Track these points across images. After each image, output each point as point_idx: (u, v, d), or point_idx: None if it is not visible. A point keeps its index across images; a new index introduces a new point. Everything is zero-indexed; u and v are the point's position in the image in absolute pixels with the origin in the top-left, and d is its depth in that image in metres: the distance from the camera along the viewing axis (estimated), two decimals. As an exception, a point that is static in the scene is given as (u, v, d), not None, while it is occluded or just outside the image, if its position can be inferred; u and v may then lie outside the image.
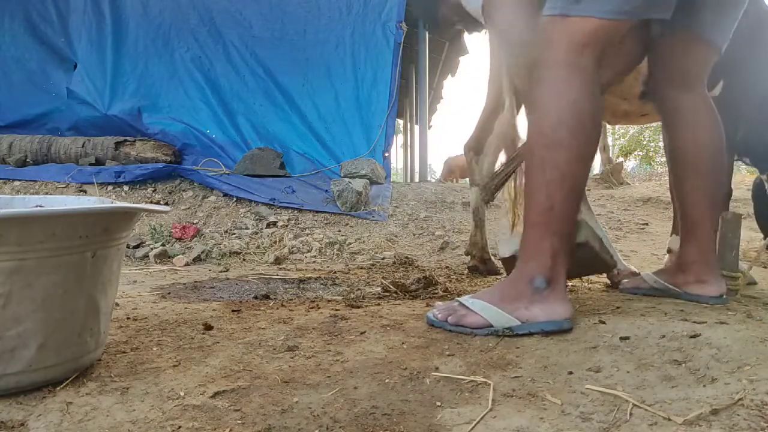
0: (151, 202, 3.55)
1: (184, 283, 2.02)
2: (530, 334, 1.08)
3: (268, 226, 3.28)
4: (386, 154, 4.51)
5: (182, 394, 0.85)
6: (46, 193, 3.72)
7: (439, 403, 0.82)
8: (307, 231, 3.22)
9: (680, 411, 0.74)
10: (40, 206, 1.06)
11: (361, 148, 4.51)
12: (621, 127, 15.32)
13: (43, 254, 0.80)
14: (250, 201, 3.56)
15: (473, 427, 0.74)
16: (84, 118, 4.67)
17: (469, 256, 2.26)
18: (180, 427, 0.75)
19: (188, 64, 4.72)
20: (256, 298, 1.69)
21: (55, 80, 4.83)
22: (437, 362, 0.97)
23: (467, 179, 4.29)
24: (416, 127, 9.63)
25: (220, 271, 2.38)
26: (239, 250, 2.87)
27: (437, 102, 14.32)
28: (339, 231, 3.26)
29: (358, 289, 1.90)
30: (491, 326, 1.10)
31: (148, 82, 4.70)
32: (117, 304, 1.44)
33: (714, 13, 1.33)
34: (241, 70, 4.72)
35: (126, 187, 3.78)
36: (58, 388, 0.86)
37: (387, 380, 0.90)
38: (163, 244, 2.92)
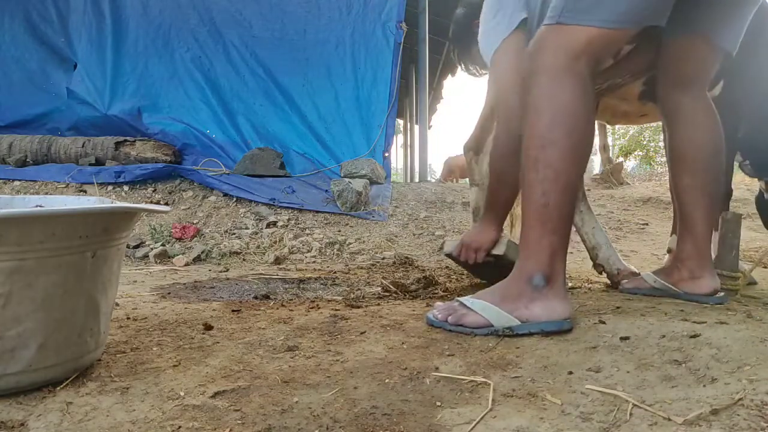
0: (151, 202, 3.55)
1: (184, 283, 2.02)
2: (530, 334, 1.08)
3: (268, 226, 3.28)
4: (386, 154, 4.52)
5: (182, 394, 0.85)
6: (46, 193, 3.72)
7: (439, 403, 0.82)
8: (307, 231, 3.22)
9: (680, 411, 0.74)
10: (40, 206, 1.06)
11: (361, 148, 4.51)
12: (621, 127, 15.32)
13: (43, 254, 0.80)
14: (250, 201, 3.56)
15: (473, 427, 0.74)
16: (84, 118, 4.67)
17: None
18: (180, 427, 0.75)
19: (188, 64, 4.72)
20: (256, 298, 1.69)
21: (55, 80, 4.83)
22: (437, 362, 0.97)
23: (467, 179, 4.30)
24: (416, 127, 9.64)
25: (220, 271, 2.38)
26: (239, 250, 2.87)
27: (437, 102, 14.33)
28: (339, 231, 3.26)
29: (358, 289, 1.90)
30: (491, 326, 1.10)
31: (148, 82, 4.71)
32: (117, 304, 1.44)
33: (718, 16, 1.34)
34: (241, 70, 4.72)
35: (126, 187, 3.78)
36: (58, 388, 0.86)
37: (387, 380, 0.90)
38: (163, 244, 2.92)
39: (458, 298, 1.19)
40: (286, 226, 3.28)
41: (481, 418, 0.76)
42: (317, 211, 3.50)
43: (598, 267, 1.78)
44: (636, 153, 17.12)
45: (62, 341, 0.85)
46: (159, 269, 2.45)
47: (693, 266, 1.38)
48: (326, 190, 3.76)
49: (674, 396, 0.79)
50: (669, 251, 1.91)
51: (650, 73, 1.52)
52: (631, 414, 0.75)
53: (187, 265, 2.61)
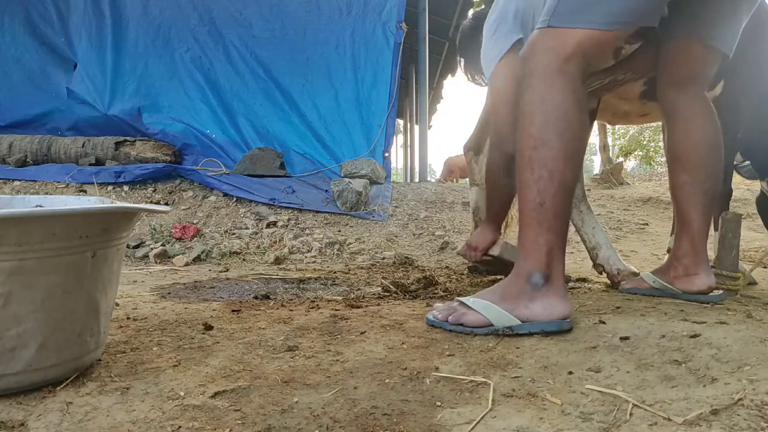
0: (151, 202, 3.55)
1: (184, 283, 2.02)
2: (530, 334, 1.08)
3: (268, 226, 3.28)
4: (386, 154, 4.52)
5: (182, 394, 0.85)
6: (46, 193, 3.72)
7: (439, 403, 0.82)
8: (307, 231, 3.22)
9: (680, 411, 0.74)
10: (40, 206, 1.06)
11: (361, 148, 4.51)
12: (621, 127, 15.32)
13: (43, 254, 0.80)
14: (250, 201, 3.56)
15: (473, 427, 0.74)
16: (84, 118, 4.67)
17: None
18: (180, 427, 0.75)
19: (188, 64, 4.72)
20: (256, 298, 1.69)
21: (55, 80, 4.83)
22: (437, 362, 0.97)
23: (467, 179, 4.29)
24: (416, 127, 9.64)
25: (220, 271, 2.38)
26: (239, 250, 2.87)
27: (437, 102, 14.33)
28: (339, 231, 3.26)
29: (358, 289, 1.90)
30: (491, 325, 1.10)
31: (148, 82, 4.71)
32: (117, 304, 1.44)
33: (714, 18, 1.35)
34: (241, 70, 4.72)
35: (126, 187, 3.78)
36: (58, 388, 0.86)
37: (387, 380, 0.90)
38: (163, 244, 2.92)
39: (458, 298, 1.19)
40: (286, 226, 3.29)
41: (481, 418, 0.76)
42: (317, 211, 3.50)
43: (598, 267, 1.78)
44: (636, 153, 17.11)
45: (62, 341, 0.85)
46: (159, 269, 2.45)
47: (688, 263, 1.39)
48: (326, 190, 3.77)
49: (674, 396, 0.79)
50: (669, 251, 1.91)
51: (653, 73, 1.53)
52: (631, 414, 0.75)
53: (187, 265, 2.61)
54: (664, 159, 1.82)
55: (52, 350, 0.84)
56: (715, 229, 1.75)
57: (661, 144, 12.82)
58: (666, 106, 1.46)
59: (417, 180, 7.34)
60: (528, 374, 0.91)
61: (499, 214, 1.81)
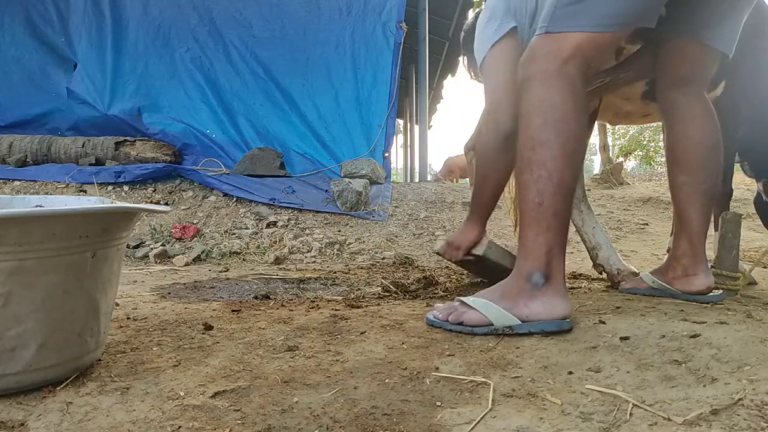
0: (151, 202, 3.55)
1: (184, 283, 2.02)
2: (530, 334, 1.08)
3: (268, 226, 3.28)
4: (386, 154, 4.52)
5: (182, 394, 0.85)
6: (46, 193, 3.72)
7: (439, 403, 0.82)
8: (307, 231, 3.22)
9: (680, 411, 0.74)
10: (40, 206, 1.06)
11: (361, 148, 4.51)
12: (621, 127, 15.33)
13: (43, 254, 0.80)
14: (250, 201, 3.56)
15: (473, 427, 0.74)
16: (84, 118, 4.67)
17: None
18: (180, 427, 0.75)
19: (188, 64, 4.72)
20: (256, 298, 1.69)
21: (55, 80, 4.83)
22: (437, 362, 0.97)
23: (467, 179, 4.29)
24: (416, 127, 9.64)
25: (220, 271, 2.38)
26: (239, 250, 2.87)
27: (437, 102, 14.34)
28: (339, 231, 3.26)
29: (358, 289, 1.90)
30: (491, 324, 1.10)
31: (148, 82, 4.71)
32: (117, 304, 1.44)
33: (712, 18, 1.35)
34: (241, 70, 4.72)
35: (126, 187, 3.78)
36: (58, 388, 0.86)
37: (387, 380, 0.90)
38: (163, 244, 2.92)
39: (459, 297, 1.20)
40: (286, 226, 3.29)
41: (481, 418, 0.76)
42: (317, 211, 3.50)
43: (598, 267, 1.78)
44: (636, 153, 17.12)
45: (62, 341, 0.85)
46: (159, 269, 2.45)
47: (687, 264, 1.39)
48: (326, 190, 3.77)
49: (674, 396, 0.79)
50: (668, 251, 1.91)
51: (654, 74, 1.53)
52: (631, 414, 0.75)
53: (187, 265, 2.61)
54: (664, 159, 1.81)
55: (52, 350, 0.84)
56: (715, 229, 1.75)
57: (661, 144, 12.82)
58: (665, 106, 1.46)
59: (417, 180, 7.34)
60: (528, 374, 0.91)
61: (486, 206, 1.70)
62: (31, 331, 0.81)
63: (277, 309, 1.44)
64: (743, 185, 4.44)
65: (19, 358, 0.81)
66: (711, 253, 1.57)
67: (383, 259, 2.76)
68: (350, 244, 3.02)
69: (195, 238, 3.10)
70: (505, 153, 1.54)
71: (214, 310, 1.43)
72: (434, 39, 7.15)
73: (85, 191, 3.71)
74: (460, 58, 2.13)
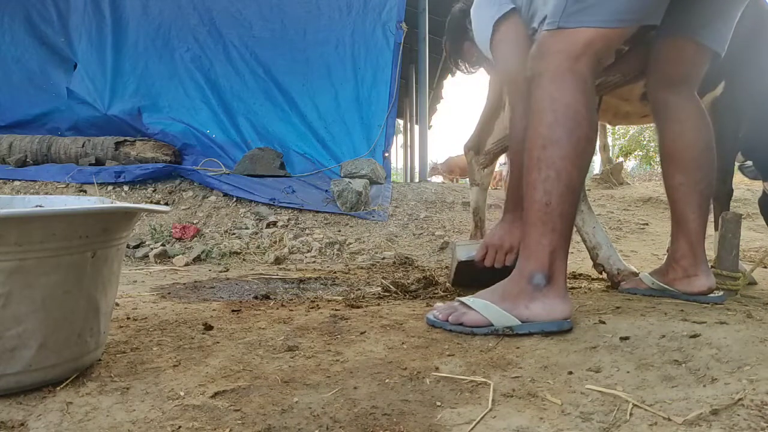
0: (151, 202, 3.55)
1: (184, 283, 2.02)
2: (530, 334, 1.08)
3: (268, 226, 3.28)
4: (386, 154, 4.52)
5: (182, 394, 0.85)
6: (46, 193, 3.72)
7: (439, 403, 0.82)
8: (307, 231, 3.22)
9: (680, 411, 0.74)
10: (40, 206, 1.06)
11: (361, 148, 4.51)
12: (621, 127, 15.33)
13: (43, 254, 0.80)
14: (250, 201, 3.56)
15: (473, 427, 0.74)
16: (84, 118, 4.67)
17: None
18: (180, 427, 0.75)
19: (188, 64, 4.72)
20: (256, 298, 1.69)
21: (55, 80, 4.84)
22: (437, 362, 0.97)
23: (467, 179, 4.29)
24: (416, 127, 9.64)
25: (220, 271, 2.38)
26: (239, 250, 2.87)
27: (437, 102, 14.33)
28: (339, 231, 3.26)
29: (358, 289, 1.90)
30: (491, 325, 1.10)
31: (148, 82, 4.71)
32: (117, 304, 1.44)
33: (705, 16, 1.35)
34: (241, 70, 4.72)
35: (126, 187, 3.78)
36: (58, 388, 0.86)
37: (387, 380, 0.90)
38: (163, 244, 2.92)
39: (459, 298, 1.19)
40: (286, 226, 3.29)
41: (481, 418, 0.76)
42: (317, 211, 3.50)
43: (598, 267, 1.78)
44: (636, 153, 17.12)
45: (62, 341, 0.85)
46: (159, 269, 2.45)
47: (687, 265, 1.38)
48: (326, 190, 3.77)
49: (674, 396, 0.79)
50: (669, 251, 1.91)
51: (643, 76, 1.53)
52: (631, 414, 0.75)
53: (187, 265, 2.61)
54: (661, 159, 1.78)
55: (52, 350, 0.84)
56: (715, 229, 1.75)
57: (661, 144, 12.77)
58: (657, 106, 1.45)
59: (417, 180, 7.34)
60: (528, 374, 0.90)
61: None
62: (31, 331, 0.81)
63: (277, 309, 1.44)
64: (743, 185, 4.44)
65: (19, 358, 0.81)
66: (711, 253, 1.57)
67: (383, 259, 2.76)
68: (350, 244, 3.02)
69: (195, 238, 3.10)
70: None
71: (214, 310, 1.43)
72: (434, 39, 7.15)
73: (85, 191, 3.71)
74: (443, 41, 2.05)
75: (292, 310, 1.41)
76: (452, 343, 1.07)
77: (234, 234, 3.17)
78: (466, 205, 3.75)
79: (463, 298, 1.17)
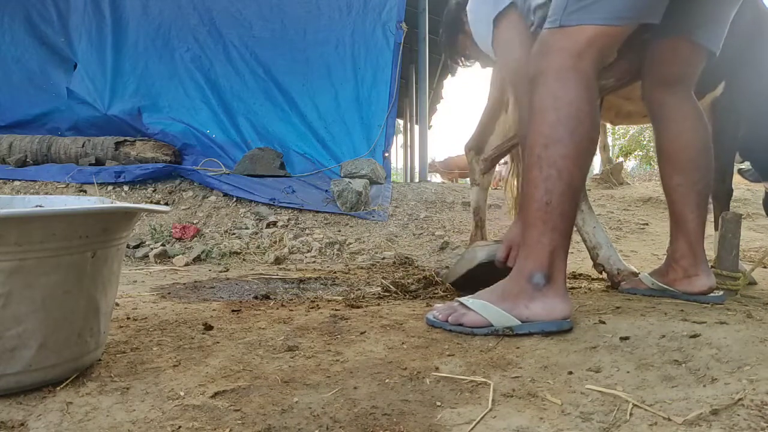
0: (151, 202, 3.55)
1: (184, 283, 2.02)
2: (530, 334, 1.08)
3: (268, 226, 3.28)
4: (386, 154, 4.52)
5: (182, 394, 0.85)
6: (46, 193, 3.72)
7: (439, 403, 0.82)
8: (307, 231, 3.22)
9: (680, 411, 0.74)
10: (40, 206, 1.06)
11: (361, 148, 4.51)
12: (621, 127, 15.32)
13: (43, 254, 0.80)
14: (250, 201, 3.56)
15: (473, 427, 0.74)
16: (84, 118, 4.67)
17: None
18: (180, 427, 0.75)
19: (188, 64, 4.72)
20: (256, 298, 1.69)
21: (55, 80, 4.83)
22: (437, 362, 0.97)
23: (467, 179, 4.29)
24: (416, 127, 9.63)
25: (220, 271, 2.38)
26: (239, 250, 2.87)
27: (437, 102, 14.32)
28: (339, 231, 3.26)
29: (358, 289, 1.90)
30: (491, 325, 1.10)
31: (148, 82, 4.71)
32: (117, 304, 1.44)
33: (700, 15, 1.35)
34: (241, 70, 4.72)
35: (126, 187, 3.78)
36: (58, 388, 0.86)
37: (387, 380, 0.90)
38: (163, 244, 2.92)
39: (458, 298, 1.19)
40: (286, 226, 3.28)
41: (481, 418, 0.76)
42: (317, 211, 3.50)
43: (598, 267, 1.78)
44: (636, 153, 17.11)
45: (62, 341, 0.85)
46: (159, 269, 2.45)
47: (687, 265, 1.38)
48: (326, 190, 3.76)
49: (674, 396, 0.79)
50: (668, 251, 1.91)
51: (637, 79, 1.52)
52: (631, 414, 0.75)
53: (187, 265, 2.61)
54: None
55: (52, 350, 0.84)
56: (715, 229, 1.75)
57: (661, 144, 12.76)
58: (653, 107, 1.45)
59: (417, 180, 7.34)
60: (528, 374, 0.90)
61: None
62: (31, 331, 0.81)
63: (277, 309, 1.44)
64: (743, 185, 4.44)
65: (19, 358, 0.81)
66: (711, 253, 1.57)
67: (383, 259, 2.76)
68: (350, 244, 3.02)
69: (195, 238, 3.10)
70: None
71: (214, 310, 1.43)
72: (434, 39, 7.16)
73: (85, 191, 3.71)
74: (440, 34, 2.03)
75: (292, 310, 1.41)
76: (452, 343, 1.07)
77: (234, 234, 3.17)
78: (466, 205, 3.75)
79: (462, 299, 1.17)
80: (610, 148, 8.81)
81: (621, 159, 10.76)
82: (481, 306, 1.12)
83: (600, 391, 0.82)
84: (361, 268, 2.51)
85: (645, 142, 16.90)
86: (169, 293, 1.79)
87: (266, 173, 3.99)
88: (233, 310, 1.41)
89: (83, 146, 4.26)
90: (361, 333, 1.16)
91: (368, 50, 4.65)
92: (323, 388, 0.87)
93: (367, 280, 2.13)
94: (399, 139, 15.89)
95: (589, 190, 4.84)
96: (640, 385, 0.84)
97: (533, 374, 0.90)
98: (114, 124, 4.58)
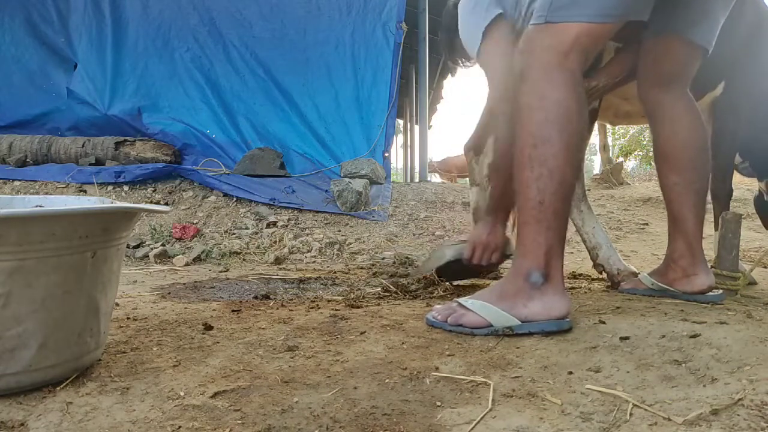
0: (151, 202, 3.55)
1: (184, 283, 2.02)
2: (530, 334, 1.08)
3: (268, 226, 3.28)
4: (386, 154, 4.52)
5: (182, 394, 0.85)
6: (46, 193, 3.72)
7: (439, 403, 0.82)
8: (307, 231, 3.22)
9: (680, 411, 0.74)
10: (40, 206, 1.06)
11: (361, 148, 4.51)
12: (621, 127, 15.32)
13: (43, 254, 0.80)
14: (250, 201, 3.56)
15: (473, 427, 0.74)
16: (84, 118, 4.67)
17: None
18: (180, 427, 0.75)
19: (188, 64, 4.72)
20: (256, 298, 1.69)
21: (55, 80, 4.83)
22: (437, 362, 0.97)
23: (467, 179, 4.30)
24: (416, 127, 9.64)
25: (220, 271, 2.38)
26: (239, 250, 2.87)
27: (437, 102, 14.33)
28: (339, 231, 3.26)
29: (358, 289, 1.90)
30: (491, 325, 1.10)
31: (148, 82, 4.71)
32: (117, 304, 1.44)
33: (693, 13, 1.35)
34: (241, 70, 4.72)
35: (126, 187, 3.78)
36: (58, 388, 0.86)
37: (387, 380, 0.90)
38: (163, 244, 2.92)
39: (457, 299, 1.19)
40: (286, 226, 3.29)
41: (481, 418, 0.76)
42: (317, 211, 3.50)
43: (598, 267, 1.78)
44: (636, 153, 17.10)
45: (62, 341, 0.85)
46: (159, 269, 2.45)
47: (686, 264, 1.38)
48: (326, 190, 3.77)
49: (674, 396, 0.79)
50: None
51: (632, 79, 1.53)
52: (631, 414, 0.75)
53: (187, 265, 2.61)
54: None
55: (52, 350, 0.84)
56: (715, 229, 1.75)
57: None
58: (649, 106, 1.44)
59: (417, 180, 7.34)
60: (528, 374, 0.90)
61: (508, 206, 1.62)
62: (31, 331, 0.81)
63: (277, 309, 1.44)
64: (743, 185, 4.44)
65: (19, 358, 0.81)
66: (711, 253, 1.57)
67: (383, 259, 2.76)
68: (350, 244, 3.02)
69: (195, 238, 3.10)
70: None
71: (214, 310, 1.43)
72: (434, 39, 7.16)
73: (85, 191, 3.71)
74: (440, 37, 2.05)
75: (292, 310, 1.41)
76: (452, 343, 1.07)
77: (234, 234, 3.17)
78: (466, 205, 3.75)
79: (460, 299, 1.17)
80: (610, 148, 8.82)
81: (621, 159, 10.76)
82: (480, 306, 1.12)
83: (600, 391, 0.82)
84: (361, 268, 2.51)
85: (645, 142, 16.89)
86: (169, 293, 1.79)
87: (266, 173, 3.99)
88: (233, 310, 1.41)
89: (83, 146, 4.26)
90: (361, 333, 1.16)
91: (368, 50, 4.65)
92: (323, 388, 0.87)
93: (367, 280, 2.13)
94: (399, 139, 15.89)
95: (589, 190, 4.85)
96: (640, 385, 0.84)
97: (533, 374, 0.90)
98: (114, 124, 4.58)
